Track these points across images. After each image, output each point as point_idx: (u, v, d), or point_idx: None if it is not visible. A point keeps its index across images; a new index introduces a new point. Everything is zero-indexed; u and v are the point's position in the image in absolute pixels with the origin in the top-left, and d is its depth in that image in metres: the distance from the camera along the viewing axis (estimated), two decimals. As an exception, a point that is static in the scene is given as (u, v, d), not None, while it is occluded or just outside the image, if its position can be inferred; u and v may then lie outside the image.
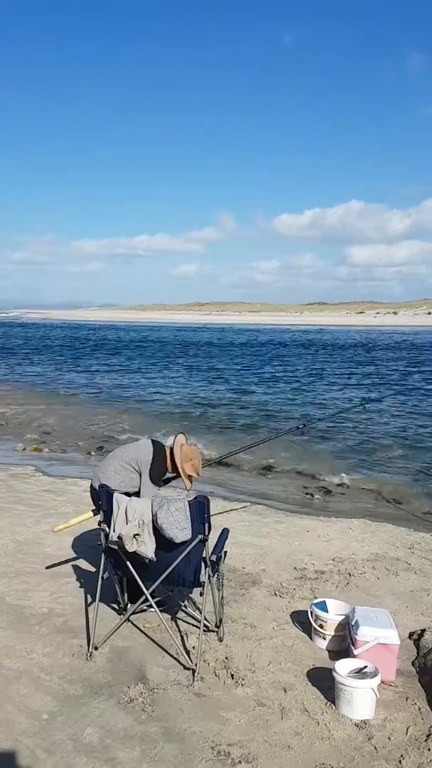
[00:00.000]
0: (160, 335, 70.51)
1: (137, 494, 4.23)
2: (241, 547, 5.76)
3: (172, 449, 4.37)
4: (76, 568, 5.23)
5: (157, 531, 3.76)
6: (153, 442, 4.43)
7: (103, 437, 12.60)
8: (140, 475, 4.27)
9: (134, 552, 3.76)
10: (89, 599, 4.61)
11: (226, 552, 4.09)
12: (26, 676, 3.64)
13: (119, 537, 3.75)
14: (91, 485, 4.33)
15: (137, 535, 3.73)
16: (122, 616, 4.26)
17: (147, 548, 3.74)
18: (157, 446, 4.38)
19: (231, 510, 7.21)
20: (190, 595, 4.61)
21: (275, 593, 4.86)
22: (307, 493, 8.60)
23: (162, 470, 4.34)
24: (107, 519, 3.88)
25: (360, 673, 3.47)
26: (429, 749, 3.11)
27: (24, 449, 11.16)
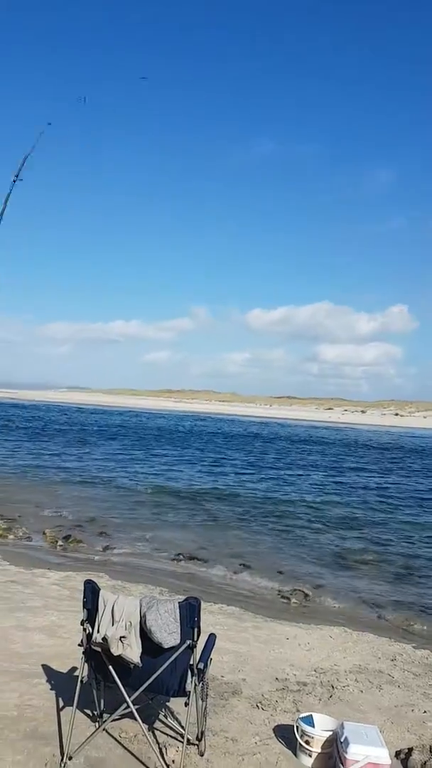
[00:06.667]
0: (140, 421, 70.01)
1: None
2: (219, 654, 5.53)
3: None
4: (46, 668, 4.96)
5: (144, 634, 3.63)
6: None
7: (70, 526, 12.30)
8: None
9: (118, 656, 3.60)
10: (61, 703, 4.36)
11: (211, 659, 3.94)
12: (-6, 789, 3.38)
13: (104, 639, 3.60)
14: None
15: (123, 637, 3.59)
16: (97, 723, 4.03)
17: (133, 652, 3.59)
18: None
19: (206, 611, 6.98)
20: (168, 703, 4.39)
21: (257, 705, 4.65)
22: (284, 597, 8.42)
23: None
24: (91, 618, 3.74)
25: (351, 797, 3.30)
26: None
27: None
